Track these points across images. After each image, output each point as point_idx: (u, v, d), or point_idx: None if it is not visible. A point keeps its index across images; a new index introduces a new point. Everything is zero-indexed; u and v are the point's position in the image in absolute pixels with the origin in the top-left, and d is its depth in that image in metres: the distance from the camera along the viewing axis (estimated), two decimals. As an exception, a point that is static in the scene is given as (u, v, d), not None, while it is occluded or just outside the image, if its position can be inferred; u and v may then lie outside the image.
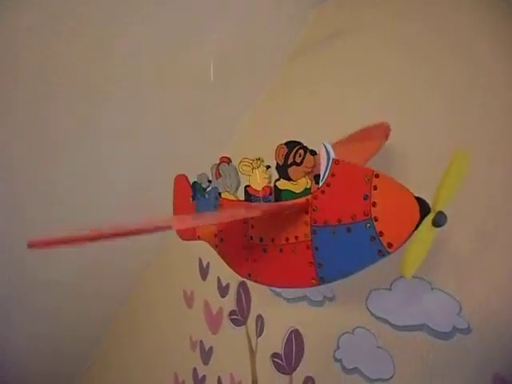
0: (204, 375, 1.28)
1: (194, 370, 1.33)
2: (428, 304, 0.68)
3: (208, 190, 0.71)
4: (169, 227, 0.45)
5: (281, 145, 0.57)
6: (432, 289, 0.68)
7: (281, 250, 0.58)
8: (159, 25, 0.90)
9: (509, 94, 0.65)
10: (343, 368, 0.80)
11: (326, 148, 0.53)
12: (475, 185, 0.62)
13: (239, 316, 1.14)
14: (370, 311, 0.76)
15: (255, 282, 0.63)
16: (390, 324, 0.73)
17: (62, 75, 0.89)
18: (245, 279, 0.66)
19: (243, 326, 1.11)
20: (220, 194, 0.69)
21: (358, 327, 0.79)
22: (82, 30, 0.83)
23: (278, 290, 0.98)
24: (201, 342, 1.31)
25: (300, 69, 1.08)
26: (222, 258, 0.70)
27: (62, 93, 0.93)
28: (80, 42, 0.85)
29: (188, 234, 0.79)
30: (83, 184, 1.17)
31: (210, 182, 0.71)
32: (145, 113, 1.07)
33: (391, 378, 0.72)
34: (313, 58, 1.04)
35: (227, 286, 1.20)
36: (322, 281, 0.52)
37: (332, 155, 0.52)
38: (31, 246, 0.34)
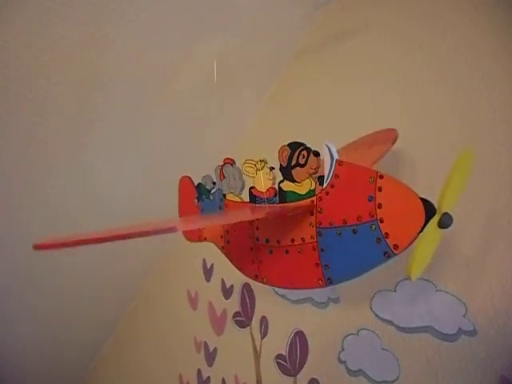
0: (208, 376, 1.28)
1: (199, 371, 1.33)
2: (433, 306, 0.67)
3: (213, 191, 0.71)
4: (173, 229, 0.44)
5: (284, 146, 0.57)
6: (437, 290, 0.67)
7: (287, 252, 0.58)
8: (161, 26, 0.90)
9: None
10: (348, 370, 0.80)
11: (329, 149, 0.53)
12: (480, 184, 0.62)
13: (243, 317, 1.14)
14: (374, 313, 0.76)
15: (262, 283, 0.63)
16: (395, 326, 0.72)
17: (61, 79, 0.89)
18: (251, 280, 0.65)
19: (247, 328, 1.11)
20: (225, 195, 0.69)
21: (362, 329, 0.78)
22: (81, 33, 0.83)
23: (282, 291, 0.98)
24: (205, 343, 1.31)
25: (304, 70, 1.08)
26: (229, 259, 0.70)
27: (62, 95, 0.92)
28: (78, 46, 0.85)
29: (194, 236, 0.79)
30: (82, 190, 1.17)
31: (214, 183, 0.71)
32: (146, 113, 1.07)
33: (396, 379, 0.71)
34: (317, 60, 1.04)
35: (231, 287, 1.20)
36: (329, 282, 0.52)
37: (335, 156, 0.52)
38: (37, 248, 0.34)
